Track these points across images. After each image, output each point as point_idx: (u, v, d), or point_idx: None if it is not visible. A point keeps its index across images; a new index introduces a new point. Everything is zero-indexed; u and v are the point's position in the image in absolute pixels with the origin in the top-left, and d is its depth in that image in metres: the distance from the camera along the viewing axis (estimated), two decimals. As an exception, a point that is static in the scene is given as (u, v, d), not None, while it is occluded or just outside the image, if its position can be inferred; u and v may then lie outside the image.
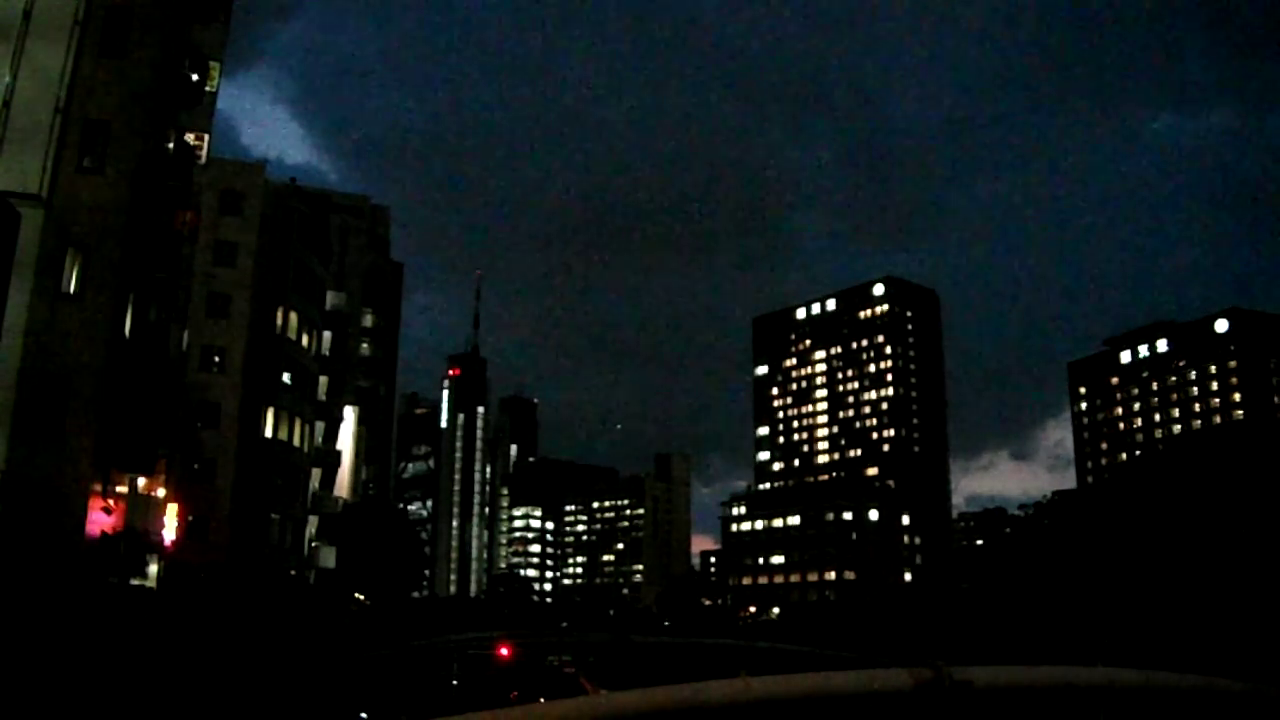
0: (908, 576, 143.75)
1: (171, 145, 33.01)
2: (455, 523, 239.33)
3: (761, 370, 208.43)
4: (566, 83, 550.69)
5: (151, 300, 31.25)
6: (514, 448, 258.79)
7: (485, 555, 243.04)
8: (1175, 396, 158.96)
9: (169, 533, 33.95)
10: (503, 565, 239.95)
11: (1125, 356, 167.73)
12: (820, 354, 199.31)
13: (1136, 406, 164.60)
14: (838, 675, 6.44)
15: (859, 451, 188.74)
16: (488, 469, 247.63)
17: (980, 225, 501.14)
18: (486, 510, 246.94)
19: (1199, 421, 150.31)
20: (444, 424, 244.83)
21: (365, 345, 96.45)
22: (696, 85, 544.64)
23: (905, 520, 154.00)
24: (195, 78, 34.98)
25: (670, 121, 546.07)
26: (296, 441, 55.66)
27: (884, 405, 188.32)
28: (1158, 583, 59.42)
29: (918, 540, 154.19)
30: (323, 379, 62.23)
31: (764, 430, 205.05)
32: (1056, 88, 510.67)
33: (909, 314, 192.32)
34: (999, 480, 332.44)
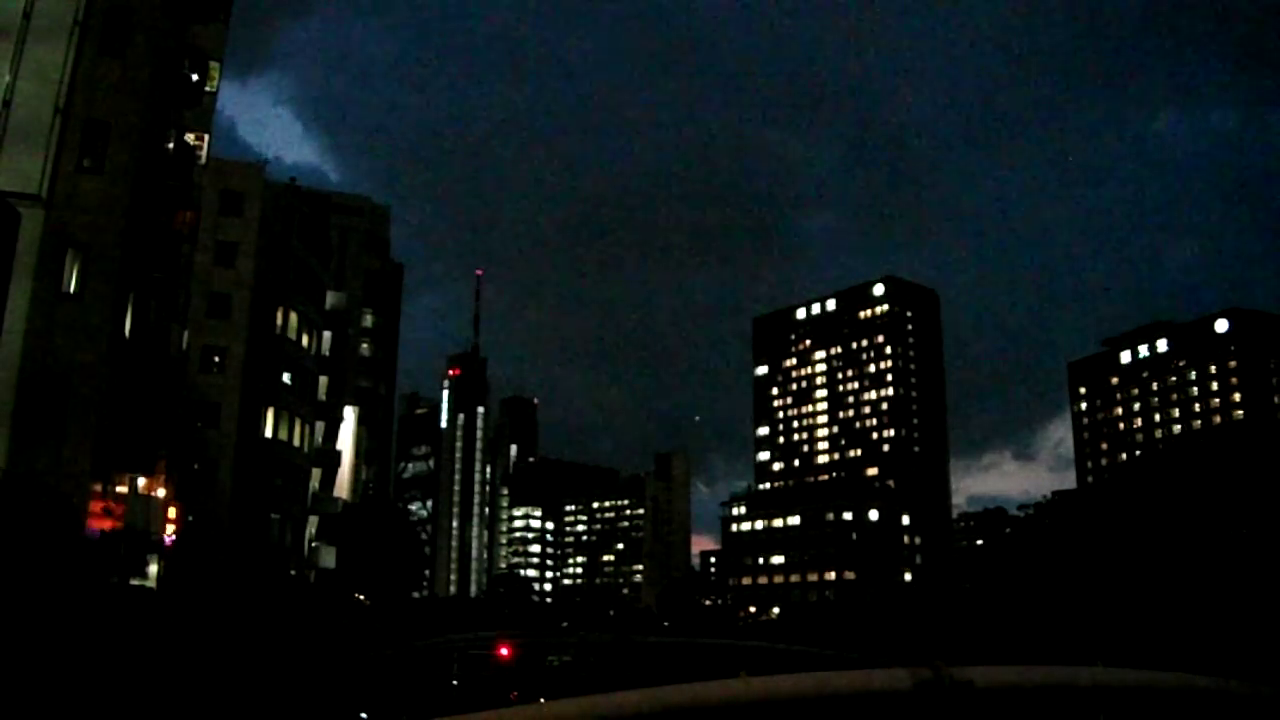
0: (908, 576, 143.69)
1: (171, 145, 33.04)
2: (455, 523, 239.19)
3: (761, 370, 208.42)
4: (568, 83, 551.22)
5: (151, 300, 31.27)
6: (514, 448, 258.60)
7: (485, 555, 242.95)
8: (1175, 396, 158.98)
9: (169, 533, 33.92)
10: (503, 565, 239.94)
11: (1125, 356, 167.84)
12: (820, 354, 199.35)
13: (1136, 406, 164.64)
14: (838, 675, 6.45)
15: (859, 451, 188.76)
16: (488, 469, 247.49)
17: (981, 225, 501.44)
18: (486, 510, 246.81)
19: (1199, 421, 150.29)
20: (444, 424, 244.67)
21: (365, 345, 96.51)
22: (699, 84, 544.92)
23: (905, 520, 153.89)
24: (195, 78, 35.04)
25: (672, 121, 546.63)
26: (296, 441, 55.70)
27: (884, 405, 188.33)
28: (1158, 583, 59.39)
29: (918, 540, 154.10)
30: (323, 379, 62.26)
31: (764, 430, 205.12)
32: (1059, 88, 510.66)
33: (909, 314, 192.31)
34: (1000, 480, 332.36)
